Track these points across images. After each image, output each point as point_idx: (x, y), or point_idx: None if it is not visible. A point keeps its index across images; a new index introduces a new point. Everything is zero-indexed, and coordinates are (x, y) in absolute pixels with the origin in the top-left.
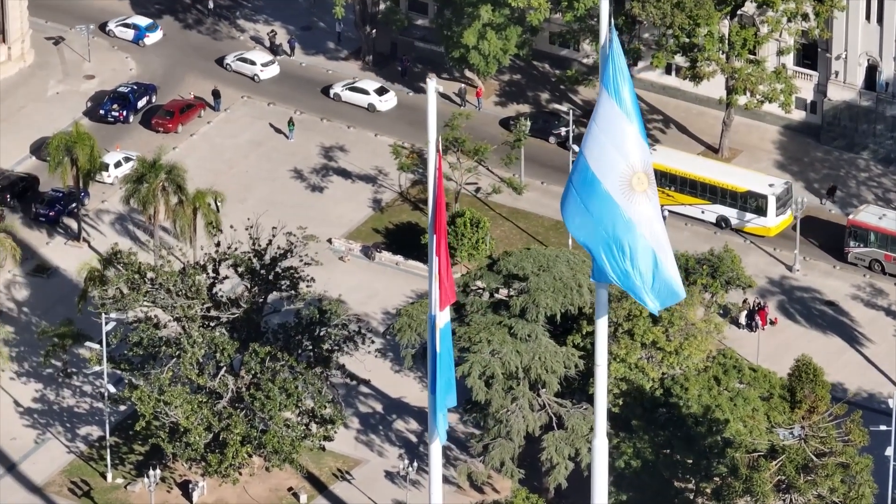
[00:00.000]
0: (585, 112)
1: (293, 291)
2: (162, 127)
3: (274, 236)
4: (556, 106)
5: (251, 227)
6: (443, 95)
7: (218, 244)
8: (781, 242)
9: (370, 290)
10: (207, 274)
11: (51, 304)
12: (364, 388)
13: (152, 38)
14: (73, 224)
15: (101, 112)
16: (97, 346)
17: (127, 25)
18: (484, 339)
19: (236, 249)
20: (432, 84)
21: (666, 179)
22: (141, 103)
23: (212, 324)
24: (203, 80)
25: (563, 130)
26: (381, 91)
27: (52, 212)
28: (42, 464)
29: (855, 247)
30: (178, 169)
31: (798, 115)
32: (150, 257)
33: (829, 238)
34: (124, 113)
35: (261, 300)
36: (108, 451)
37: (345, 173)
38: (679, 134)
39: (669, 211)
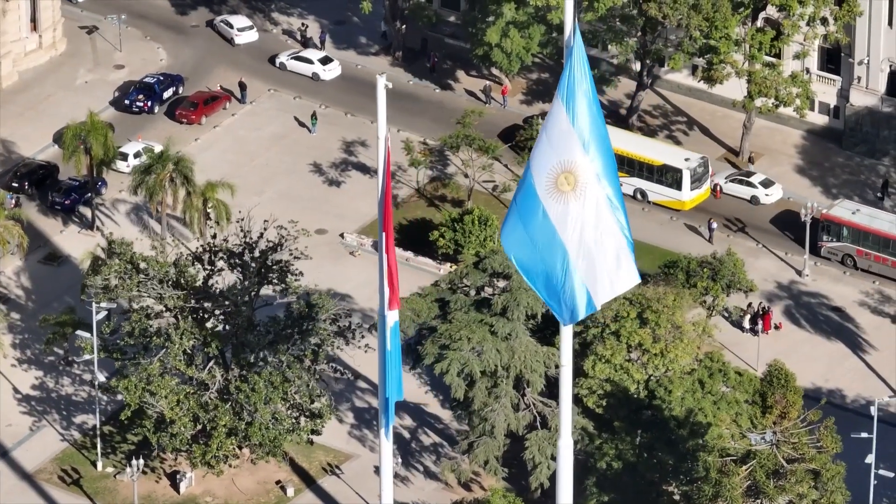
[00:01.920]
0: (609, 112)
1: (282, 285)
2: (186, 118)
3: (265, 230)
4: None
5: (241, 219)
6: (468, 92)
7: (214, 236)
8: (793, 247)
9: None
10: (203, 266)
11: (60, 292)
12: (361, 384)
13: None
14: (89, 213)
15: (127, 102)
16: (87, 335)
17: None
18: (464, 336)
19: (227, 241)
20: (381, 81)
21: None
22: (167, 94)
23: (205, 315)
24: (233, 73)
25: None
26: (325, 60)
27: (67, 200)
28: (35, 451)
29: (828, 241)
30: (185, 160)
31: (821, 119)
32: (157, 247)
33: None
34: (149, 103)
35: (252, 293)
36: (99, 439)
37: (364, 168)
38: (701, 136)
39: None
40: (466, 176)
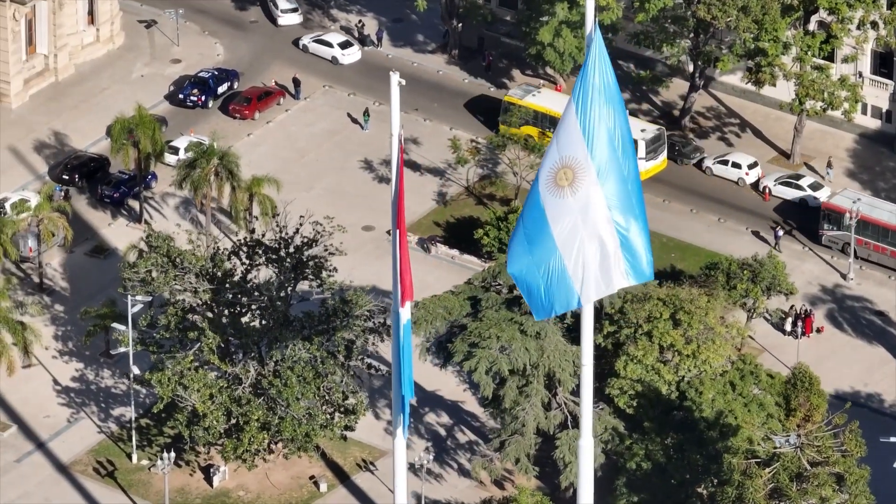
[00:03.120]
0: (662, 113)
1: (317, 280)
2: (239, 113)
3: (301, 225)
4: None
5: (277, 214)
6: None
7: (252, 231)
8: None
9: (423, 283)
10: (241, 260)
11: (105, 285)
12: None
13: None
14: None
15: (181, 96)
16: (123, 328)
17: None
18: (493, 335)
19: (263, 236)
20: (395, 78)
21: (546, 121)
22: (221, 89)
23: (241, 310)
24: (289, 68)
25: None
26: (345, 45)
27: (116, 193)
28: (72, 442)
29: (829, 230)
30: (230, 155)
31: (873, 123)
32: (193, 241)
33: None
34: (203, 98)
35: (288, 288)
36: (134, 432)
37: (414, 165)
38: (753, 138)
39: None
40: (515, 174)
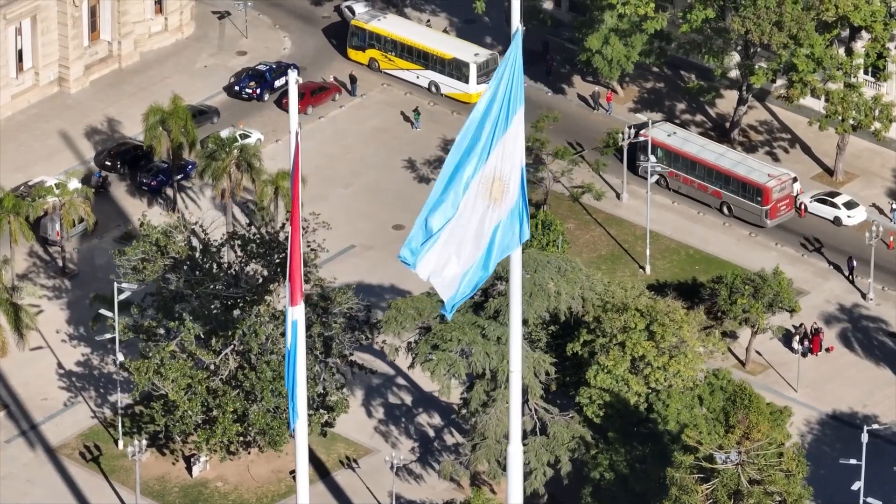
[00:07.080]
0: (715, 125)
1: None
2: None
3: (287, 221)
4: (679, 118)
5: (262, 208)
6: (580, 97)
7: (250, 224)
8: (860, 269)
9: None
10: (236, 253)
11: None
12: (399, 380)
13: None
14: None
15: (237, 88)
16: (110, 314)
17: None
18: (455, 338)
19: (252, 229)
20: (293, 76)
21: (389, 45)
22: (279, 82)
23: (227, 302)
24: (351, 65)
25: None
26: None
27: (154, 181)
28: (64, 426)
29: (644, 161)
30: (249, 148)
31: None
32: (182, 230)
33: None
34: (258, 91)
35: (276, 282)
36: (120, 418)
37: None
38: (801, 154)
39: (388, 74)
40: (542, 179)
